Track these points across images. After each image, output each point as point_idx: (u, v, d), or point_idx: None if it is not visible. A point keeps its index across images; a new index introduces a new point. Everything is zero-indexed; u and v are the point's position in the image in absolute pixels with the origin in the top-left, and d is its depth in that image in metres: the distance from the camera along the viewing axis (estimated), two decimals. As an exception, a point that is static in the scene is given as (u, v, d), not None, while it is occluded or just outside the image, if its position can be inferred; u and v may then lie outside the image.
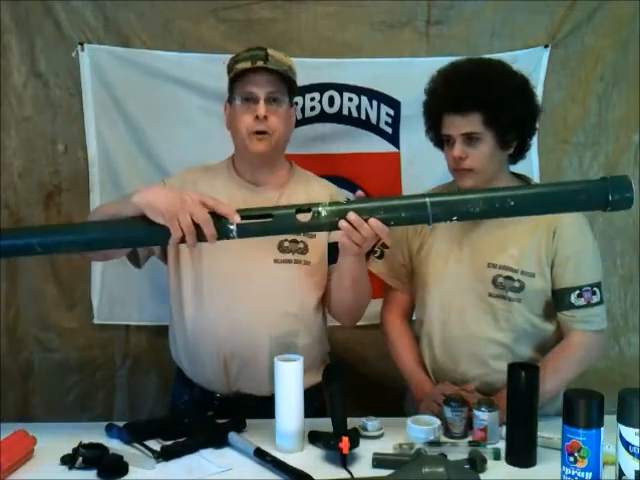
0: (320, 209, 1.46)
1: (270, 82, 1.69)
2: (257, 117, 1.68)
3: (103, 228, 1.53)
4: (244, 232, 1.47)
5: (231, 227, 1.45)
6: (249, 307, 1.70)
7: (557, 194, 1.47)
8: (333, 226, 1.47)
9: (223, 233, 1.46)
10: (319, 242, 1.75)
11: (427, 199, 1.43)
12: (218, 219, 1.45)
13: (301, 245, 1.73)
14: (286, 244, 1.72)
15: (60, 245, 1.53)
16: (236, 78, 1.71)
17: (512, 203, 1.43)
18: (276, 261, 1.71)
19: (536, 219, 1.69)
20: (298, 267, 1.72)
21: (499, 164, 1.70)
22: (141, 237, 1.53)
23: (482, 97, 1.62)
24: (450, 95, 1.66)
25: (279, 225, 1.48)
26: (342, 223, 1.45)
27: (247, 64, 1.69)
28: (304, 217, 1.46)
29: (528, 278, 1.68)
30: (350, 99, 2.26)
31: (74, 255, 2.28)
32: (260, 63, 1.68)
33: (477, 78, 1.64)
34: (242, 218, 1.45)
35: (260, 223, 1.47)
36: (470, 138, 1.65)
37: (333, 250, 1.73)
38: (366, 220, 1.44)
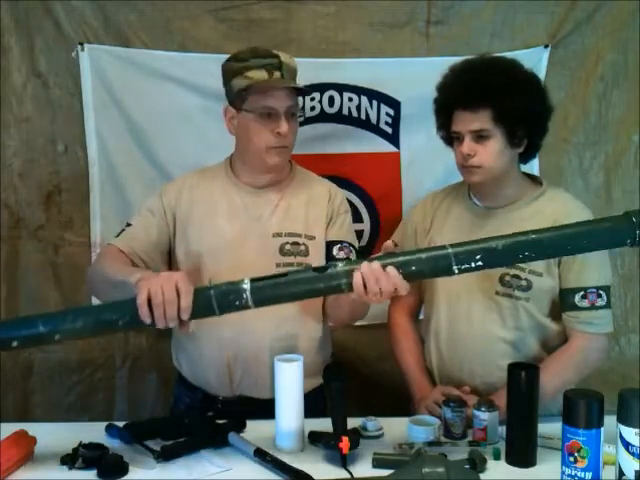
0: (337, 264, 1.41)
1: (289, 96, 1.67)
2: (279, 133, 1.65)
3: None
4: (259, 300, 1.40)
5: (245, 288, 1.39)
6: (252, 311, 1.68)
7: (582, 235, 1.43)
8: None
9: (239, 302, 1.39)
10: (319, 244, 1.75)
11: (450, 250, 1.39)
12: (233, 284, 1.40)
13: (302, 248, 1.72)
14: (287, 247, 1.71)
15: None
16: (252, 89, 1.65)
17: (533, 252, 1.40)
18: (278, 265, 1.70)
19: (544, 218, 1.69)
20: None
21: (509, 162, 1.69)
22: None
23: (491, 93, 1.61)
24: (459, 91, 1.66)
25: (295, 287, 1.41)
26: (364, 267, 1.37)
27: (263, 75, 1.64)
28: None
29: (536, 277, 1.68)
30: (350, 99, 2.26)
31: (74, 255, 2.29)
32: (277, 75, 1.65)
33: (486, 75, 1.64)
34: (254, 282, 1.40)
35: (275, 284, 1.41)
36: (480, 136, 1.64)
37: (330, 248, 1.74)
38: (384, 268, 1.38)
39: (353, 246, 1.79)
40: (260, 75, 1.64)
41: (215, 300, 1.39)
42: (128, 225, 1.75)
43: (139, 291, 1.36)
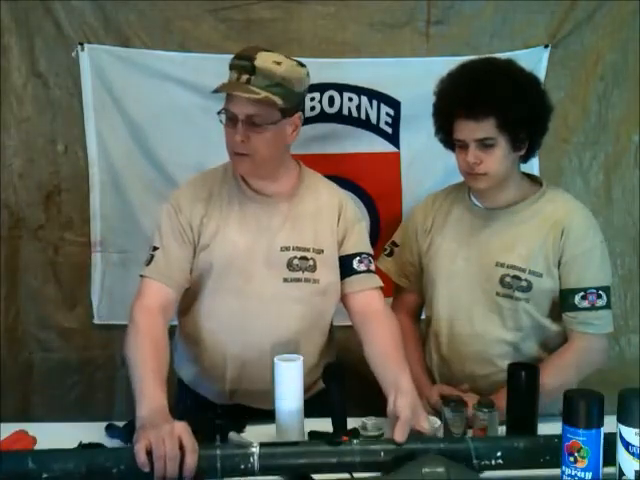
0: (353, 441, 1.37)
1: (252, 103, 1.54)
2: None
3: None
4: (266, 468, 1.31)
5: (253, 452, 1.31)
6: (259, 326, 1.66)
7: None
8: (368, 465, 1.34)
9: (245, 466, 1.30)
10: (328, 258, 1.69)
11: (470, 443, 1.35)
12: (241, 447, 1.34)
13: (310, 262, 1.67)
14: (295, 262, 1.66)
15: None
16: (220, 89, 1.59)
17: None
18: (285, 280, 1.66)
19: (544, 219, 1.70)
20: (308, 286, 1.67)
21: (511, 165, 1.69)
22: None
23: (495, 103, 1.60)
24: (462, 100, 1.63)
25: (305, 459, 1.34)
26: None
27: (233, 76, 1.58)
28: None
29: (536, 278, 1.68)
30: (350, 99, 2.25)
31: (74, 255, 2.29)
32: (244, 78, 1.54)
33: (489, 82, 1.62)
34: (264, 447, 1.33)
35: (285, 453, 1.34)
36: (484, 144, 1.64)
37: (345, 263, 1.71)
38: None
39: (371, 255, 1.76)
40: (231, 76, 1.59)
41: (220, 461, 1.30)
42: (155, 249, 1.66)
43: (138, 439, 1.29)
